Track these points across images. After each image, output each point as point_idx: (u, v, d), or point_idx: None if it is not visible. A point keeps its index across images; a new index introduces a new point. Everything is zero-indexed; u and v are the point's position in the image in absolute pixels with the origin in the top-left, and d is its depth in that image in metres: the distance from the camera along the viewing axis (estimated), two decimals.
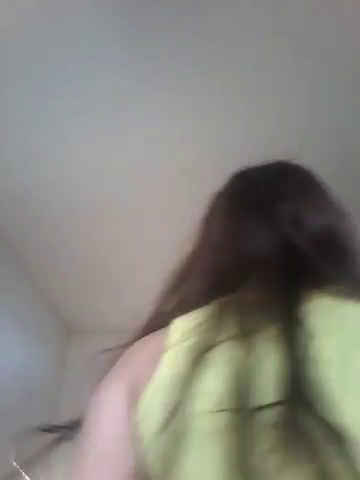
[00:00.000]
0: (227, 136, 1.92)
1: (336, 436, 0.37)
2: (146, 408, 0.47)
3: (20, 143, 2.00)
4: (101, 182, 2.18)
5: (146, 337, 0.58)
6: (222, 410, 0.41)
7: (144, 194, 2.24)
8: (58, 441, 0.67)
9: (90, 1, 1.51)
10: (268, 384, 0.41)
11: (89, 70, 1.72)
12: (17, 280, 2.67)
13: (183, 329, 0.51)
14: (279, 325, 0.46)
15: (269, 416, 0.39)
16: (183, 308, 0.57)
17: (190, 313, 0.54)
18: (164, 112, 1.86)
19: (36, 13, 1.54)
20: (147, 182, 2.17)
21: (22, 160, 2.08)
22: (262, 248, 0.58)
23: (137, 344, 0.57)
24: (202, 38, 1.61)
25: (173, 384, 0.45)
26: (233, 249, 0.61)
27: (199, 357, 0.45)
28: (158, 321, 0.60)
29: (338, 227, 0.62)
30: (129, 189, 2.21)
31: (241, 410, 0.40)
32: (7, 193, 2.24)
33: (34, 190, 2.22)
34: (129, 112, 1.87)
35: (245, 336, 0.46)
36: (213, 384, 0.43)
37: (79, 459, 0.51)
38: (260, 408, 0.39)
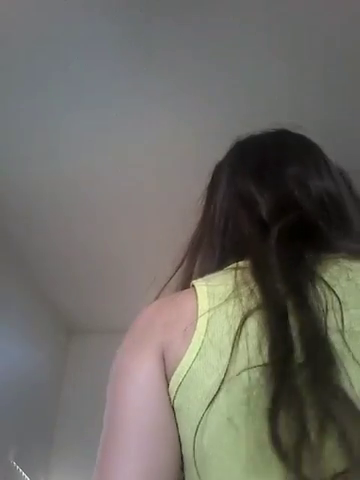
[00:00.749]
0: (227, 136, 1.92)
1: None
2: (188, 375, 0.45)
3: (21, 143, 2.00)
4: (102, 183, 2.18)
5: (163, 301, 0.56)
6: (260, 365, 0.41)
7: (144, 194, 2.23)
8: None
9: (90, 1, 1.51)
10: (298, 348, 0.42)
11: (90, 71, 1.72)
12: (17, 280, 2.67)
13: (212, 293, 0.50)
14: (305, 293, 0.46)
15: (303, 377, 0.40)
16: (199, 273, 0.58)
17: (208, 277, 0.54)
18: (164, 112, 1.86)
19: (36, 13, 1.54)
20: (148, 182, 2.17)
21: (23, 160, 2.08)
22: (268, 209, 0.59)
23: (156, 309, 0.55)
24: (202, 38, 1.61)
25: (218, 352, 0.45)
26: (243, 213, 0.62)
27: (240, 325, 0.45)
28: (177, 285, 0.61)
29: (340, 191, 0.63)
30: (129, 189, 2.21)
31: (280, 371, 0.41)
32: (7, 193, 2.24)
33: (34, 190, 2.22)
34: (129, 112, 1.87)
35: (276, 303, 0.46)
36: (253, 350, 0.44)
37: (109, 434, 0.48)
38: (299, 367, 0.40)
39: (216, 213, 0.66)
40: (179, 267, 0.65)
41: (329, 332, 0.43)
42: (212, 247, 0.63)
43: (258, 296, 0.48)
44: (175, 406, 0.46)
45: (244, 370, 0.42)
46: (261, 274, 0.50)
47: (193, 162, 2.04)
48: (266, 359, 0.42)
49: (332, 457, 0.37)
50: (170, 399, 0.47)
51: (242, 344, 0.44)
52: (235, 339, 0.45)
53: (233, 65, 1.70)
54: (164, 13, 1.54)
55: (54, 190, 2.21)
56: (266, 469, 0.39)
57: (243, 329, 0.45)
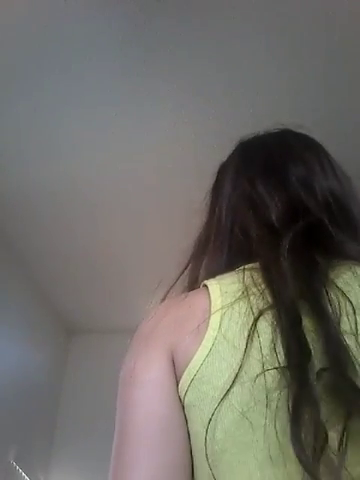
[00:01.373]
0: (227, 136, 1.92)
1: None
2: (201, 370, 0.46)
3: (20, 143, 2.00)
4: (102, 183, 2.18)
5: (171, 302, 0.57)
6: (275, 368, 0.42)
7: (144, 194, 2.24)
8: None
9: (90, 2, 1.52)
10: (316, 352, 0.42)
11: (90, 70, 1.72)
12: (17, 281, 2.67)
13: (224, 292, 0.51)
14: (319, 298, 0.47)
15: (323, 382, 0.41)
16: (206, 275, 0.58)
17: (220, 277, 0.55)
18: (164, 112, 1.86)
19: (36, 13, 1.54)
20: (148, 182, 2.17)
21: (23, 160, 2.08)
22: (277, 212, 0.59)
23: (163, 310, 0.55)
24: (202, 39, 1.61)
25: (232, 347, 0.45)
26: (250, 214, 0.62)
27: (254, 322, 0.46)
28: (184, 287, 0.61)
29: (344, 190, 0.63)
30: (129, 190, 2.21)
31: (296, 375, 0.41)
32: (8, 194, 2.24)
33: (35, 191, 2.22)
34: (130, 113, 1.87)
35: (288, 307, 0.46)
36: (267, 349, 0.44)
37: (121, 441, 0.47)
38: (318, 373, 0.41)
39: (222, 215, 0.65)
40: (185, 269, 0.65)
41: (345, 336, 0.43)
42: (218, 249, 0.63)
43: (269, 299, 0.48)
44: (186, 402, 0.46)
45: (261, 373, 0.43)
46: (273, 277, 0.50)
47: (193, 162, 2.04)
48: (283, 361, 0.43)
49: (352, 464, 0.38)
50: (180, 397, 0.47)
51: (255, 341, 0.45)
52: (249, 335, 0.45)
53: (233, 65, 1.70)
54: (164, 13, 1.54)
55: (54, 190, 2.21)
56: (283, 465, 0.39)
57: (257, 325, 0.46)
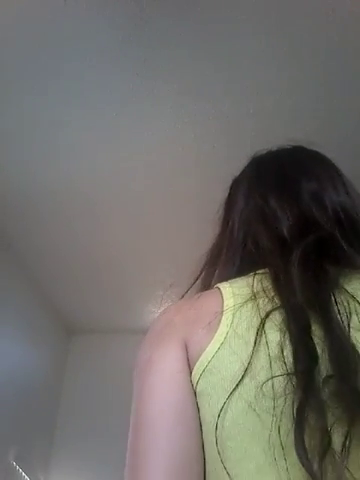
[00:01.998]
0: (227, 137, 1.92)
1: None
2: (212, 362, 0.48)
3: (21, 144, 2.00)
4: (102, 183, 2.18)
5: (183, 301, 0.60)
6: (288, 374, 0.44)
7: (144, 195, 2.24)
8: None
9: (90, 2, 1.52)
10: (323, 359, 0.44)
11: (90, 70, 1.72)
12: (17, 281, 2.67)
13: (236, 294, 0.54)
14: (328, 304, 0.49)
15: (330, 387, 0.42)
16: (220, 279, 0.61)
17: (231, 281, 0.58)
18: (164, 112, 1.86)
19: (36, 13, 1.54)
20: (148, 183, 2.17)
21: (23, 161, 2.08)
22: (288, 225, 0.61)
23: (175, 308, 0.58)
24: (202, 39, 1.61)
25: (243, 342, 0.48)
26: (263, 228, 0.64)
27: (263, 320, 0.49)
28: (200, 287, 0.65)
29: (354, 206, 0.65)
30: (130, 190, 2.22)
31: (304, 378, 0.43)
32: (8, 194, 2.24)
33: (35, 191, 2.23)
34: (130, 113, 1.87)
35: (297, 313, 0.48)
36: (275, 347, 0.47)
37: (137, 430, 0.48)
38: (325, 379, 0.43)
39: (234, 227, 0.68)
40: (197, 278, 0.68)
41: (352, 331, 0.46)
42: (230, 260, 0.66)
43: (278, 303, 0.51)
44: (197, 391, 0.48)
45: (266, 380, 0.45)
46: (282, 285, 0.53)
47: (193, 162, 2.04)
48: (290, 366, 0.45)
49: (355, 468, 0.39)
50: (192, 385, 0.49)
51: (264, 340, 0.48)
52: (258, 331, 0.48)
53: (233, 65, 1.70)
54: (164, 13, 1.54)
55: (54, 190, 2.21)
56: (288, 455, 0.41)
57: (266, 323, 0.49)
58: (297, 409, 0.42)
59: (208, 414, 0.47)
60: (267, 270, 0.57)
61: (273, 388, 0.44)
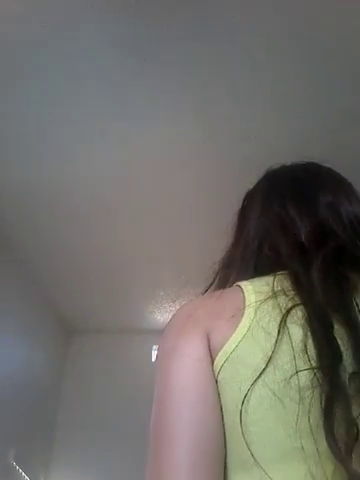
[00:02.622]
0: (227, 136, 1.92)
1: None
2: (235, 351, 0.50)
3: (20, 144, 2.00)
4: (101, 182, 2.18)
5: (206, 296, 0.63)
6: (314, 368, 0.47)
7: (145, 195, 2.24)
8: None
9: (90, 2, 1.52)
10: (346, 357, 0.47)
11: (90, 70, 1.72)
12: (17, 281, 2.67)
13: (257, 291, 0.56)
14: (347, 306, 0.51)
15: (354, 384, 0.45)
16: (238, 279, 0.63)
17: (250, 280, 0.60)
18: (164, 112, 1.86)
19: (35, 13, 1.54)
20: (147, 182, 2.17)
21: (23, 161, 2.08)
22: (306, 233, 0.64)
23: (199, 301, 0.60)
24: (202, 39, 1.61)
25: (266, 334, 0.50)
26: (281, 235, 0.67)
27: (285, 315, 0.51)
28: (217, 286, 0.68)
29: None
30: (129, 190, 2.22)
31: (328, 372, 0.46)
32: (7, 193, 2.24)
33: (34, 191, 2.23)
34: (129, 112, 1.87)
35: (318, 309, 0.51)
36: (298, 341, 0.49)
37: (160, 417, 0.50)
38: (351, 375, 0.46)
39: (250, 235, 0.71)
40: (211, 285, 0.70)
41: None
42: (247, 263, 0.68)
43: (298, 300, 0.53)
44: (218, 379, 0.50)
45: (293, 374, 0.47)
46: (303, 286, 0.55)
47: (193, 162, 2.04)
48: (314, 361, 0.47)
49: None
50: (214, 374, 0.51)
51: (286, 331, 0.50)
52: (280, 324, 0.50)
53: (234, 66, 1.70)
54: (164, 13, 1.54)
55: (54, 190, 2.21)
56: (319, 444, 0.44)
57: (288, 318, 0.51)
58: (325, 402, 0.44)
59: (230, 401, 0.49)
60: (286, 272, 0.59)
61: (298, 380, 0.47)
